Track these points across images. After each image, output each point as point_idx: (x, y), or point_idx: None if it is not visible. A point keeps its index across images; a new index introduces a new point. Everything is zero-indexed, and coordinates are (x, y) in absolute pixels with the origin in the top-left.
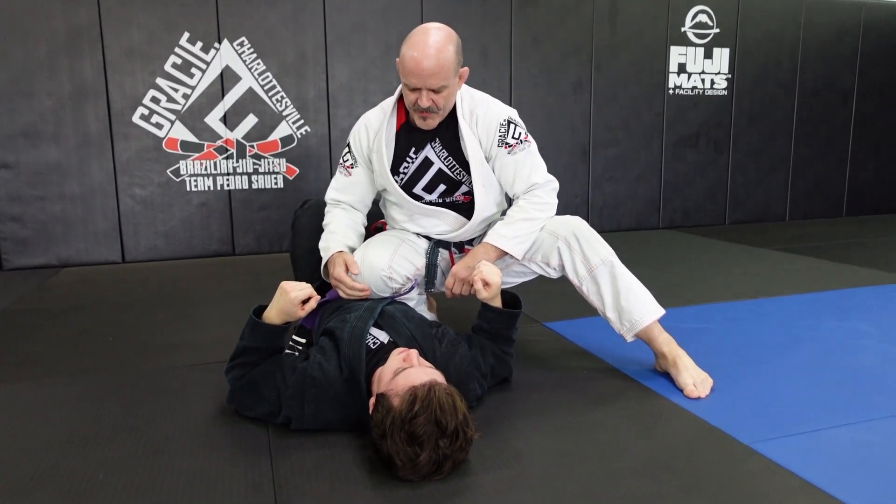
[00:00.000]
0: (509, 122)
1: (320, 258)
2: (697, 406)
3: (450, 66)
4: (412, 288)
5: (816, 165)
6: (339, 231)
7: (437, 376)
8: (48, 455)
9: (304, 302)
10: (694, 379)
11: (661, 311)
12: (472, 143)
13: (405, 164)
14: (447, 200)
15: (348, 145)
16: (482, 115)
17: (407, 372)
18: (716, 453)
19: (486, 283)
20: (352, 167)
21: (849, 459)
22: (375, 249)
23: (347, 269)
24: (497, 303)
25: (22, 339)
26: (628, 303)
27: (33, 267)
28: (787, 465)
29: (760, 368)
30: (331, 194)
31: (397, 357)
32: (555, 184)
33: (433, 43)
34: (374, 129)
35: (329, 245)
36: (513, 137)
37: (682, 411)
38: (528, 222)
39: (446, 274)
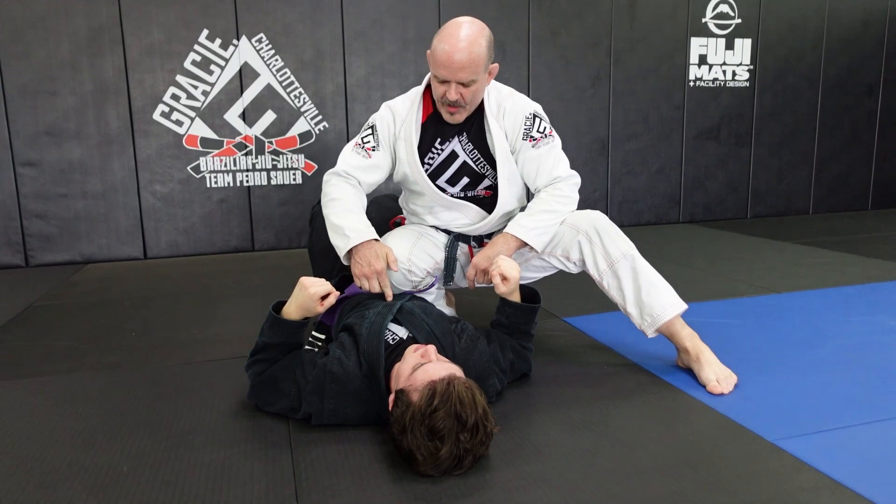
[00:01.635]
0: (535, 116)
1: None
2: (721, 402)
3: (480, 60)
4: (433, 284)
5: (841, 158)
6: (355, 210)
7: (455, 370)
8: (73, 448)
9: (324, 297)
10: (717, 375)
11: (683, 306)
12: (500, 137)
13: (430, 156)
14: (469, 194)
15: (372, 127)
16: (509, 107)
17: (425, 367)
18: (740, 450)
19: (504, 278)
20: (373, 149)
21: (877, 457)
22: (394, 243)
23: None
24: (516, 297)
25: (47, 334)
26: (650, 297)
27: (57, 263)
28: (813, 462)
29: (785, 364)
30: (343, 167)
31: (414, 353)
32: (577, 179)
33: (465, 37)
34: (401, 118)
35: (357, 226)
36: (538, 131)
37: (705, 408)
38: (548, 214)
39: (465, 268)
